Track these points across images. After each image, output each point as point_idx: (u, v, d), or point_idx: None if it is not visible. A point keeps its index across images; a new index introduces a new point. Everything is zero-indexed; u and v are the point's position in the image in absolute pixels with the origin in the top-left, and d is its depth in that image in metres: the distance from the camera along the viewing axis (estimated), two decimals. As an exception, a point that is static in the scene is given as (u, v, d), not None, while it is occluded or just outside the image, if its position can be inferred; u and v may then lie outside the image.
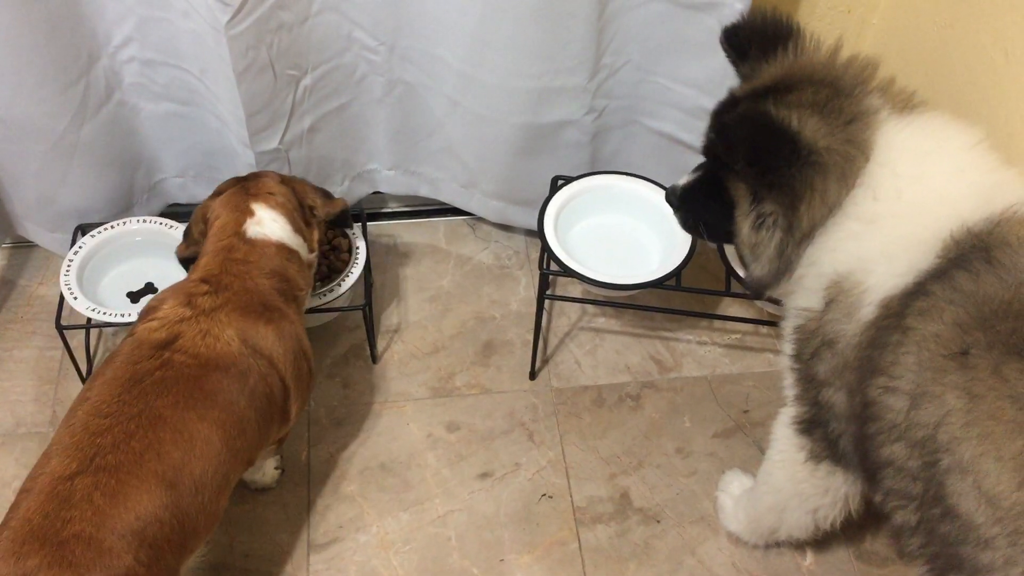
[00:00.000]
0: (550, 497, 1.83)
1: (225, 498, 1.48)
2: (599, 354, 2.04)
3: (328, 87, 1.90)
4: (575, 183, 1.91)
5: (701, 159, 1.53)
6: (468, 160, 2.04)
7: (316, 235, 1.74)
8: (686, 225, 1.60)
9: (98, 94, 1.83)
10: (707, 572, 1.74)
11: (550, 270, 1.84)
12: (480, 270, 2.18)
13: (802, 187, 1.31)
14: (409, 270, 2.17)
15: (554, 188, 1.93)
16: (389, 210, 2.28)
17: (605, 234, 1.93)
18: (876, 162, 1.31)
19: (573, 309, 2.11)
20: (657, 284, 1.79)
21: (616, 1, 1.75)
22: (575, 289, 2.06)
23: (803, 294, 1.40)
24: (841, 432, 1.39)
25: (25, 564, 1.24)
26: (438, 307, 2.11)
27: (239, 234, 1.61)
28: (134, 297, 1.88)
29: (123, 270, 1.92)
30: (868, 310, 1.29)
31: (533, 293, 2.12)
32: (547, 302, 2.10)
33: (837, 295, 1.33)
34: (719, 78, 1.77)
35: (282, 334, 1.55)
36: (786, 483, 1.53)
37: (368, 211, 2.09)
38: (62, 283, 1.80)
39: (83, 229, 1.95)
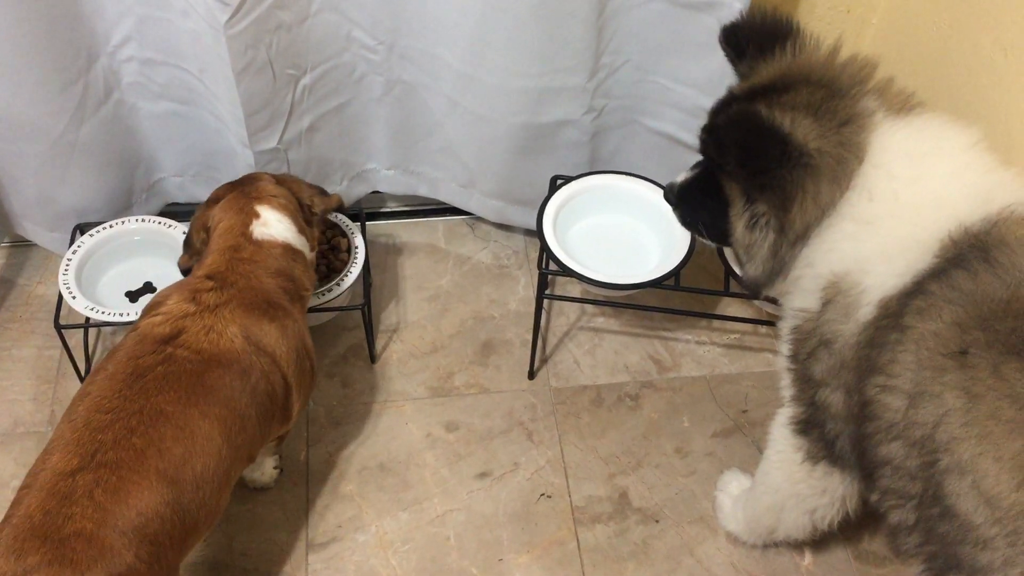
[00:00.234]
0: (549, 497, 1.83)
1: (226, 495, 1.48)
2: (598, 354, 2.04)
3: (327, 86, 1.90)
4: (574, 183, 1.91)
5: (700, 158, 1.53)
6: (467, 160, 2.04)
7: (316, 234, 1.74)
8: (684, 222, 1.61)
9: (97, 93, 1.83)
10: (706, 572, 1.74)
11: (549, 270, 1.84)
12: (479, 270, 2.18)
13: (793, 189, 1.31)
14: (408, 270, 2.17)
15: (553, 188, 1.93)
16: (388, 210, 2.28)
17: (604, 234, 1.93)
18: (870, 164, 1.31)
19: (572, 309, 2.11)
20: (656, 284, 1.79)
21: (615, 1, 1.75)
22: (574, 289, 2.06)
23: (800, 295, 1.40)
24: (838, 432, 1.39)
25: (26, 561, 1.24)
26: (437, 307, 2.11)
27: (246, 235, 1.60)
28: (133, 296, 1.88)
29: (122, 269, 1.92)
30: (866, 310, 1.29)
31: (532, 293, 2.12)
32: (546, 302, 2.10)
33: (834, 295, 1.33)
34: (718, 78, 1.77)
35: (286, 332, 1.55)
36: (784, 483, 1.53)
37: (367, 211, 2.09)
38: (61, 282, 1.80)
39: (82, 228, 1.95)
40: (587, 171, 1.97)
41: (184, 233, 1.87)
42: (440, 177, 2.13)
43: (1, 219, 2.06)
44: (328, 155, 2.03)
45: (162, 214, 2.03)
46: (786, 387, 1.47)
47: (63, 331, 1.82)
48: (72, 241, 1.92)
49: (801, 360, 1.40)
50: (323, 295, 1.84)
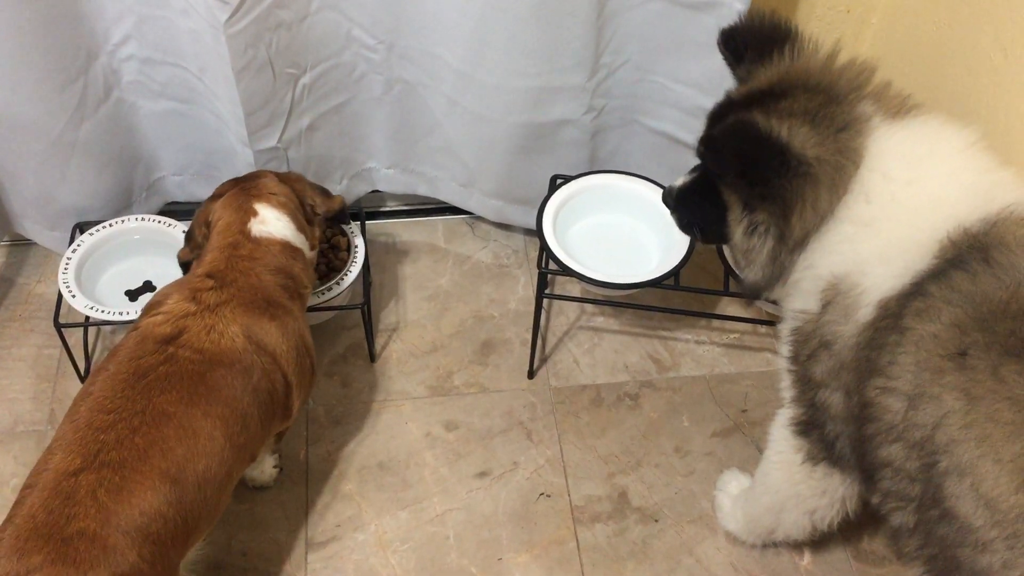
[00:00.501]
0: (548, 496, 1.83)
1: (227, 494, 1.48)
2: (597, 353, 2.05)
3: (327, 85, 1.90)
4: (574, 182, 1.91)
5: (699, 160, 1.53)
6: (467, 159, 2.04)
7: (317, 233, 1.74)
8: (682, 225, 1.60)
9: (97, 92, 1.83)
10: (705, 571, 1.74)
11: (549, 269, 1.84)
12: (479, 269, 2.18)
13: (793, 198, 1.31)
14: (408, 269, 2.17)
15: (553, 187, 1.93)
16: (388, 209, 2.28)
17: (604, 233, 1.93)
18: (867, 168, 1.30)
19: (572, 308, 2.11)
20: (655, 283, 1.79)
21: (615, 0, 1.75)
22: (574, 288, 2.06)
23: (799, 297, 1.40)
24: (838, 434, 1.39)
25: (29, 561, 1.24)
26: (437, 306, 2.11)
27: (244, 232, 1.61)
28: (132, 295, 1.88)
29: (121, 268, 1.92)
30: (865, 311, 1.29)
31: (532, 292, 2.12)
32: (546, 301, 2.10)
33: (834, 297, 1.33)
34: (718, 78, 1.77)
35: (286, 330, 1.55)
36: (784, 484, 1.54)
37: (367, 210, 2.09)
38: (60, 281, 1.80)
39: (81, 227, 1.95)
40: (587, 171, 1.97)
41: (184, 232, 1.88)
42: (440, 176, 2.13)
43: (1, 218, 2.06)
44: (328, 154, 2.03)
45: (162, 213, 2.03)
46: (786, 388, 1.47)
47: (63, 330, 1.82)
48: (72, 240, 1.92)
49: (801, 362, 1.40)
50: (323, 294, 1.85)
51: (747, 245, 1.39)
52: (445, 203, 2.21)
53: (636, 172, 1.94)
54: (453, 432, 1.91)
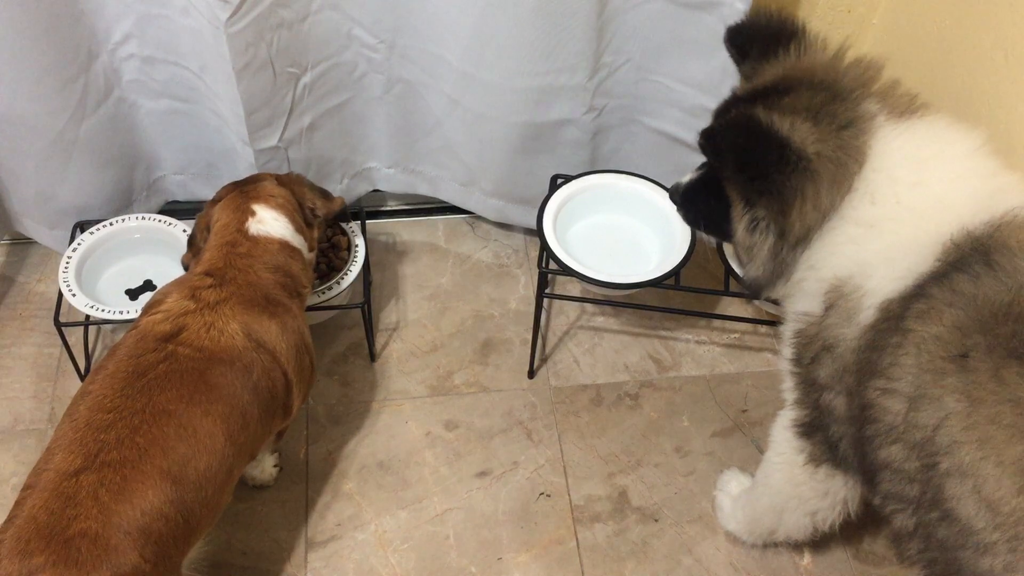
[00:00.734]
0: (548, 496, 1.83)
1: (228, 493, 1.48)
2: (598, 353, 2.05)
3: (328, 85, 1.90)
4: (574, 182, 1.91)
5: (702, 158, 1.53)
6: (467, 159, 2.04)
7: (316, 235, 1.74)
8: (688, 221, 1.61)
9: (97, 91, 1.83)
10: (705, 571, 1.74)
11: (549, 269, 1.84)
12: (479, 269, 2.18)
13: (792, 194, 1.31)
14: (408, 268, 2.17)
15: (553, 187, 1.93)
16: (388, 208, 2.28)
17: (604, 233, 1.93)
18: (871, 168, 1.30)
19: (572, 308, 2.11)
20: (656, 283, 1.79)
21: (616, 0, 1.75)
22: (574, 288, 2.06)
23: (803, 298, 1.40)
24: (841, 435, 1.39)
25: (31, 562, 1.24)
26: (437, 305, 2.11)
27: (242, 231, 1.61)
28: (133, 294, 1.88)
29: (122, 267, 1.92)
30: (867, 313, 1.29)
31: (532, 292, 2.12)
32: (546, 301, 2.10)
33: (837, 299, 1.33)
34: (719, 77, 1.78)
35: (285, 328, 1.55)
36: (785, 485, 1.54)
37: (367, 209, 2.09)
38: (60, 280, 1.80)
39: (82, 226, 1.95)
40: (587, 170, 1.97)
41: (184, 231, 1.88)
42: (440, 176, 2.13)
43: (1, 216, 2.06)
44: (328, 153, 2.03)
45: (162, 212, 2.03)
46: (789, 390, 1.47)
47: (63, 329, 1.82)
48: (72, 239, 1.92)
49: (805, 364, 1.40)
50: (323, 293, 1.85)
51: (749, 241, 1.39)
52: (445, 203, 2.21)
53: (637, 172, 1.94)
54: (453, 432, 1.91)
